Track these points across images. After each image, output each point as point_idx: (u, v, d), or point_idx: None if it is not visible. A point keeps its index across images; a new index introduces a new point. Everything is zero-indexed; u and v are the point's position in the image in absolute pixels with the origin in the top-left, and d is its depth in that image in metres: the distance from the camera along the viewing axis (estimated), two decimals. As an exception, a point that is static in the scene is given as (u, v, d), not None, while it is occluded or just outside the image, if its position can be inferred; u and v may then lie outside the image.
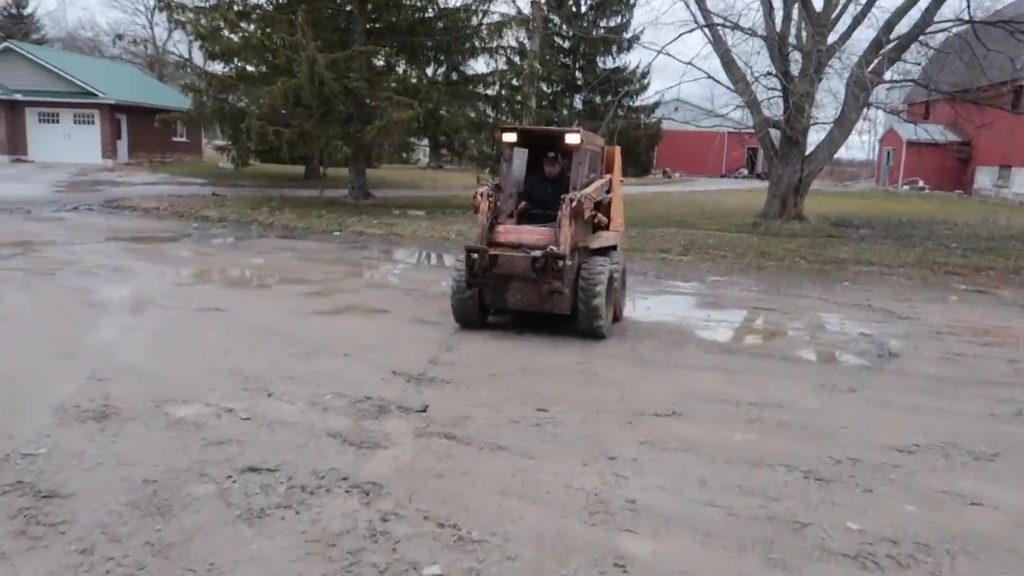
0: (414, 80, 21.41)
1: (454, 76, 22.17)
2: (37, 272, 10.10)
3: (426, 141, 29.04)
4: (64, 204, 19.18)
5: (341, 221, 17.13)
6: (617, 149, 8.60)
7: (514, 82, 22.80)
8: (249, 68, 21.46)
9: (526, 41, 26.64)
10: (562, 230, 7.07)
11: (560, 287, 7.05)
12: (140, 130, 32.99)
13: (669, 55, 19.12)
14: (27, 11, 55.12)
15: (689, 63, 18.99)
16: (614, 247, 8.48)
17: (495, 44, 21.89)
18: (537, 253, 6.99)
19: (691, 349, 7.36)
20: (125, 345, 6.73)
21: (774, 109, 20.22)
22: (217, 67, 22.03)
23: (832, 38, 18.54)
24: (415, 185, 31.02)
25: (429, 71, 22.49)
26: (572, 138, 7.57)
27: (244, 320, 7.77)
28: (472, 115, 22.21)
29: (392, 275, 11.88)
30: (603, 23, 45.60)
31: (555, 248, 6.95)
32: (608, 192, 8.39)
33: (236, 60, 21.21)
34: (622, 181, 8.92)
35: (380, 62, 22.13)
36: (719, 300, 10.03)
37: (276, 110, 19.28)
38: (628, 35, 45.20)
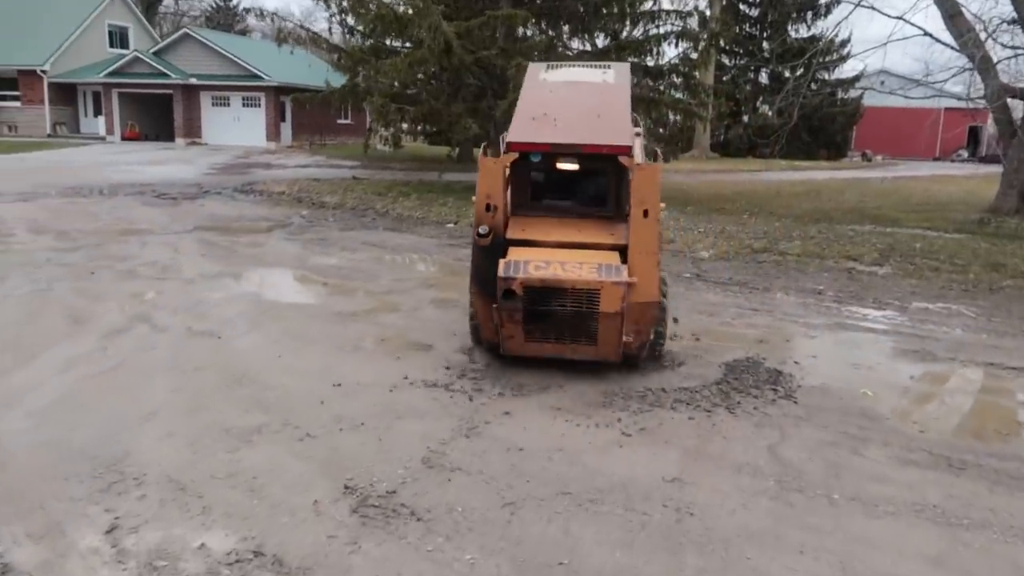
0: (559, 49, 18.88)
1: (606, 44, 19.39)
2: (79, 270, 8.79)
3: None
4: (202, 187, 18.68)
5: (460, 210, 15.06)
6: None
7: (684, 50, 19.65)
8: (390, 43, 19.96)
9: (700, 1, 23.32)
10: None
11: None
12: (304, 112, 33.02)
13: (874, 8, 15.21)
14: (233, 2, 58.61)
15: (900, 18, 15.07)
16: None
17: (655, 7, 18.89)
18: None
19: (877, 454, 4.40)
20: (35, 393, 4.91)
21: (1014, 73, 15.70)
22: (355, 43, 20.75)
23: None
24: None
25: (577, 41, 19.89)
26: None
27: (227, 357, 5.75)
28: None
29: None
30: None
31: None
32: None
33: (371, 34, 19.77)
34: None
35: (527, 31, 19.84)
36: (930, 345, 6.76)
37: (404, 85, 17.61)
38: (824, 0, 39.92)
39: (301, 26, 19.55)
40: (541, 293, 5.03)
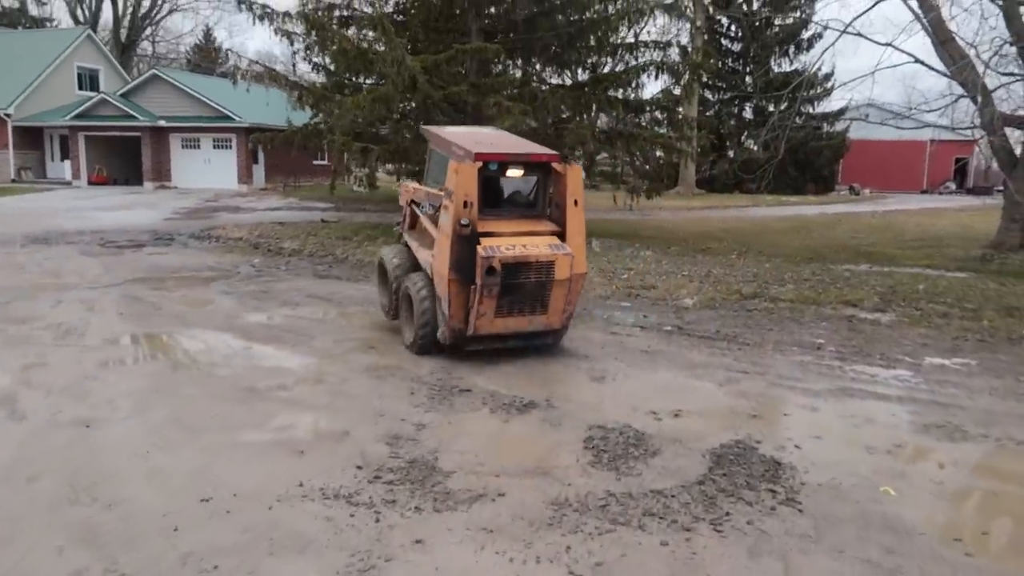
0: (534, 83, 17.99)
1: (583, 77, 18.54)
2: (-35, 335, 7.60)
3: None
4: (156, 234, 17.54)
5: (427, 255, 13.96)
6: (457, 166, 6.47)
7: (666, 84, 18.81)
8: (355, 79, 19.02)
9: (681, 36, 22.58)
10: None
11: None
12: (277, 153, 32.04)
13: (861, 35, 14.38)
14: (215, 44, 58.02)
15: (889, 44, 14.23)
16: None
17: (634, 39, 18.10)
18: None
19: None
20: None
21: (1013, 101, 14.88)
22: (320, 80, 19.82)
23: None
24: (552, 207, 27.64)
25: (555, 75, 19.02)
26: None
27: (81, 458, 4.54)
28: (604, 123, 18.53)
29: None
30: (778, 20, 40.26)
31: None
32: None
33: (337, 71, 18.85)
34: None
35: (500, 65, 18.98)
36: (956, 417, 5.62)
37: (369, 123, 16.63)
38: (808, 33, 39.60)
39: (256, 62, 18.58)
40: (513, 268, 6.34)
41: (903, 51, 14.27)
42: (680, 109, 20.99)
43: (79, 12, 49.03)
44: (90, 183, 32.13)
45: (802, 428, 5.30)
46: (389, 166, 20.45)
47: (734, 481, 4.34)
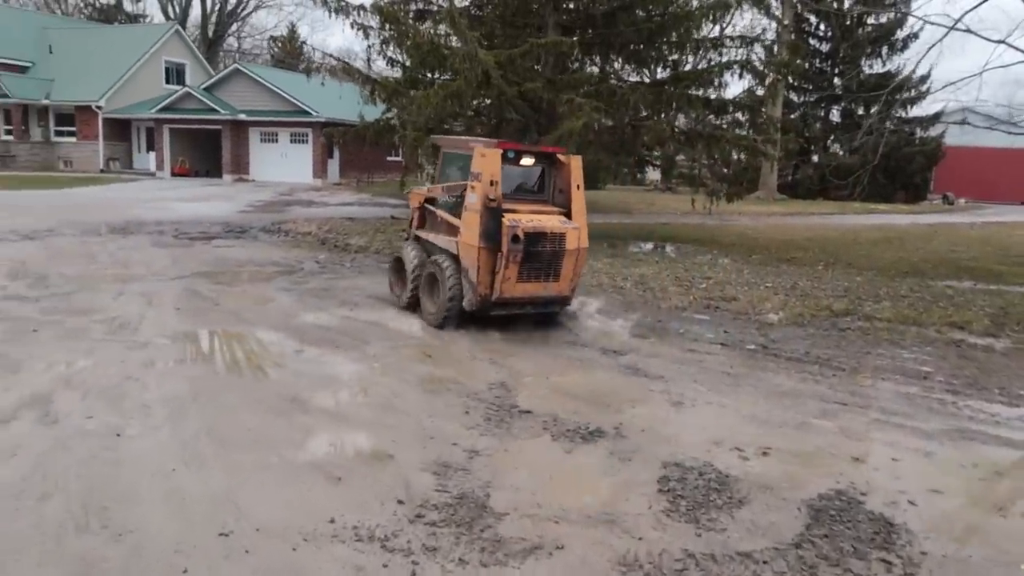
0: (612, 80, 17.27)
1: (663, 75, 17.74)
2: (23, 325, 7.46)
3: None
4: (228, 226, 17.60)
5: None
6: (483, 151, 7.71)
7: (750, 84, 17.79)
8: (429, 75, 18.69)
9: (767, 36, 21.46)
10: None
11: None
12: (352, 149, 32.15)
13: (970, 31, 13.15)
14: (298, 40, 59.15)
15: (1002, 41, 12.98)
16: None
17: (717, 33, 17.19)
18: None
19: None
20: None
21: None
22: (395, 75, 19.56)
23: None
24: (626, 210, 26.78)
25: (632, 72, 18.27)
26: None
27: (102, 473, 4.17)
28: (683, 124, 17.69)
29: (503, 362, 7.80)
30: (871, 19, 38.24)
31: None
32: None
33: (412, 66, 18.54)
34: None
35: (575, 62, 18.34)
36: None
37: (440, 119, 16.23)
38: (903, 33, 37.50)
39: (331, 55, 18.44)
40: (534, 237, 7.38)
41: (1018, 48, 12.94)
42: (764, 110, 19.93)
43: (170, 8, 50.60)
44: (173, 174, 32.93)
45: (916, 478, 4.53)
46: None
47: (838, 545, 3.64)
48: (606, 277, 11.71)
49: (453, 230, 8.02)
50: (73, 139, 34.83)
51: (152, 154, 34.02)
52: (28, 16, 42.43)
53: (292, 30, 60.28)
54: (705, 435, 5.07)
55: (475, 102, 17.31)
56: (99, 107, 33.54)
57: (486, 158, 7.45)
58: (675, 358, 7.13)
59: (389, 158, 35.64)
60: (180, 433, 4.77)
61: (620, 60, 17.93)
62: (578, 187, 7.89)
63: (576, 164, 7.93)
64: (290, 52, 55.42)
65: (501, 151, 7.59)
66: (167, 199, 23.74)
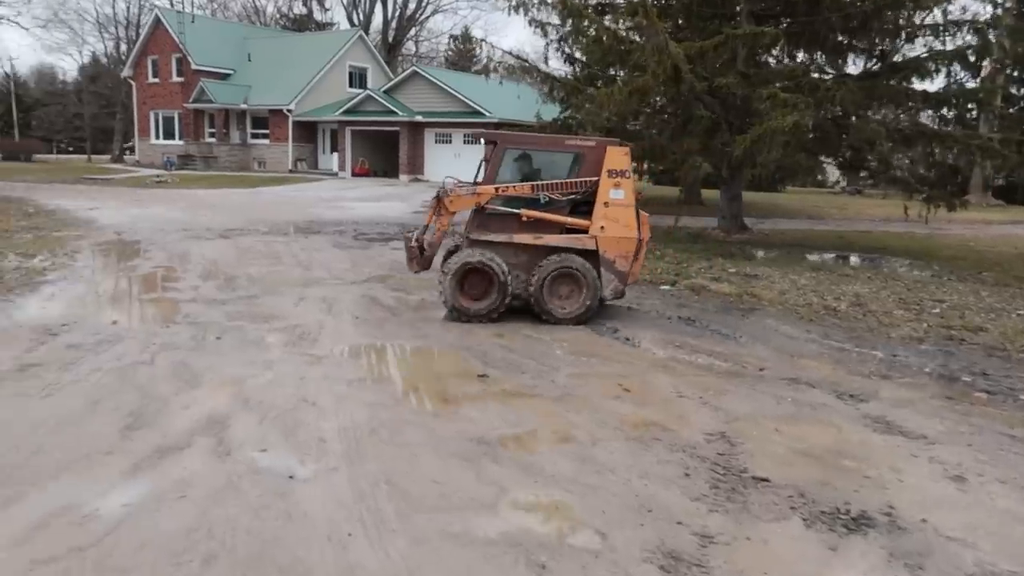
0: (814, 74, 15.53)
1: (873, 67, 15.73)
2: (208, 332, 7.36)
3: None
4: (405, 228, 17.64)
5: (683, 267, 12.32)
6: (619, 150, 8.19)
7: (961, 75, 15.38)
8: (611, 71, 17.78)
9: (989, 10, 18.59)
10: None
11: None
12: (524, 149, 31.89)
13: None
14: (472, 42, 60.37)
15: None
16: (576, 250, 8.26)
17: (937, 18, 14.94)
18: None
19: None
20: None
21: None
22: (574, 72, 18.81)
23: None
24: (816, 215, 24.53)
25: (831, 63, 16.36)
26: None
27: (264, 534, 3.60)
28: (901, 121, 15.61)
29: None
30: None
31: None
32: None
33: (593, 62, 17.71)
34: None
35: (773, 55, 16.72)
36: None
37: (623, 118, 15.27)
38: None
39: (509, 52, 17.97)
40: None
41: None
42: (997, 103, 17.32)
43: (355, 16, 53.04)
44: (353, 174, 34.22)
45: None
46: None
47: None
48: (814, 296, 10.27)
49: (552, 227, 8.25)
50: (266, 141, 37.13)
51: (335, 155, 35.55)
52: (232, 27, 45.88)
53: (466, 32, 61.74)
54: (1017, 532, 3.80)
55: (655, 100, 16.21)
56: (290, 110, 35.48)
57: (626, 156, 8.17)
58: (932, 409, 5.77)
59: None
60: (356, 480, 4.17)
61: (825, 51, 16.10)
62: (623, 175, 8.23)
63: (617, 153, 8.25)
64: (465, 53, 56.51)
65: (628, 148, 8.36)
66: (348, 199, 24.44)
